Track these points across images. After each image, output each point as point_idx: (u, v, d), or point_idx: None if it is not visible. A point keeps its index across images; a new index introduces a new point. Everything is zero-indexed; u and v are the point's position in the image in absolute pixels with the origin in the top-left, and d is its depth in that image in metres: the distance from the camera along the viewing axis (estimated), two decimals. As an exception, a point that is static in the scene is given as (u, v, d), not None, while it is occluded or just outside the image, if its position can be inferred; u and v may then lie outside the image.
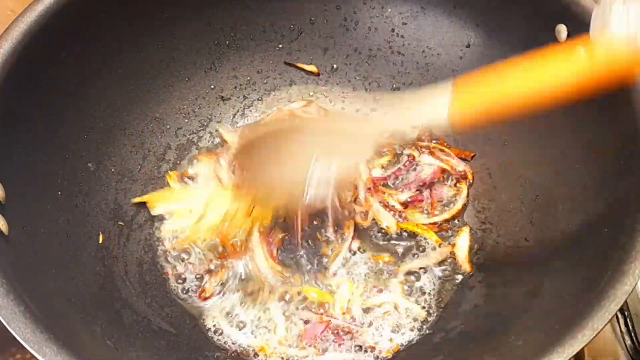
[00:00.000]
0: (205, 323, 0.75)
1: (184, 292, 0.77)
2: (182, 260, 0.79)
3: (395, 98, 0.65)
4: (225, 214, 0.79)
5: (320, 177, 0.67)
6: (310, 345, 0.72)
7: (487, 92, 0.56)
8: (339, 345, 0.73)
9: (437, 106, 0.58)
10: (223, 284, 0.77)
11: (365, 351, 0.72)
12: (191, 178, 0.86)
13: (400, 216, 0.82)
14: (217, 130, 0.90)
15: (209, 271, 0.77)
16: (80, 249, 0.71)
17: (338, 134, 0.69)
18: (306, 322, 0.74)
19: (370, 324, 0.74)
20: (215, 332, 0.74)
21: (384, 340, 0.73)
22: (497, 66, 0.56)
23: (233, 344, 0.73)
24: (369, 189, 0.83)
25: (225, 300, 0.76)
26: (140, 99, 0.84)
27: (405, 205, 0.83)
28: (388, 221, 0.80)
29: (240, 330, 0.74)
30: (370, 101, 0.91)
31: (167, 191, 0.83)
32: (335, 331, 0.73)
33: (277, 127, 0.71)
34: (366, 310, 0.75)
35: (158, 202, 0.81)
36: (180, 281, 0.78)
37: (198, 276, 0.77)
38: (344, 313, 0.74)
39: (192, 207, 0.81)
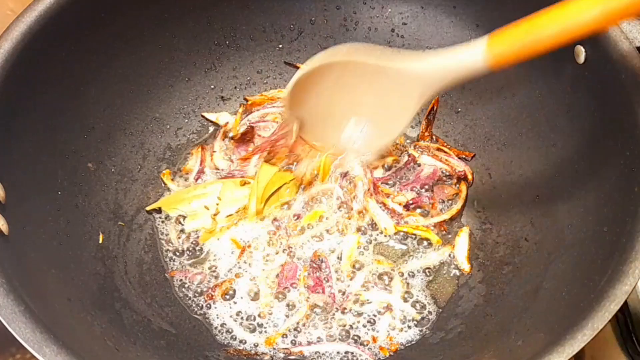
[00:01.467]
0: (210, 320, 0.75)
1: (188, 292, 0.77)
2: (190, 261, 0.79)
3: (432, 52, 0.66)
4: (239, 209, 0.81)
5: (351, 136, 0.74)
6: (285, 289, 0.76)
7: (521, 31, 0.57)
8: (314, 292, 0.75)
9: (474, 51, 0.60)
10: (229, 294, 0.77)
11: (365, 345, 0.72)
12: (186, 173, 0.86)
13: (400, 218, 0.82)
14: (217, 130, 0.90)
15: (217, 285, 0.77)
16: (80, 249, 0.71)
17: (385, 88, 0.70)
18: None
19: (363, 317, 0.74)
20: (219, 330, 0.74)
21: (381, 338, 0.73)
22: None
23: (236, 340, 0.73)
24: (368, 189, 0.83)
25: (232, 302, 0.76)
26: (140, 99, 0.84)
27: (406, 207, 0.83)
28: (386, 223, 0.80)
29: (244, 326, 0.74)
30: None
31: (179, 193, 0.83)
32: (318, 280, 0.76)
33: (336, 62, 0.72)
34: (362, 302, 0.75)
35: (172, 206, 0.82)
36: (185, 282, 0.78)
37: (204, 285, 0.78)
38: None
39: (207, 204, 0.81)
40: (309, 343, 0.73)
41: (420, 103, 0.68)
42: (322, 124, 0.78)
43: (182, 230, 0.81)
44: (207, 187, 0.83)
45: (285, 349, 0.72)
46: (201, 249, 0.80)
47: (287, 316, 0.75)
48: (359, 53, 0.71)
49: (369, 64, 0.70)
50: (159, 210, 0.82)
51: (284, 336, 0.73)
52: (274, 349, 0.72)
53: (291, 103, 0.76)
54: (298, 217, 0.81)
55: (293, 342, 0.73)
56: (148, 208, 0.82)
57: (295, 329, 0.74)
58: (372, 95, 0.72)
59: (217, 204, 0.81)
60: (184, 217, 0.82)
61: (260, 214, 0.81)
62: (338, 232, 0.80)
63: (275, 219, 0.81)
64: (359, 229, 0.81)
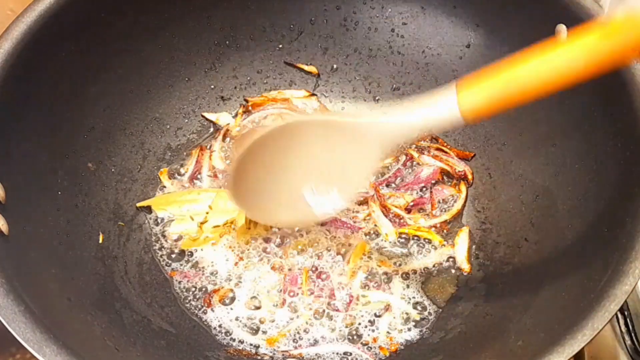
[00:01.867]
0: (209, 322, 0.75)
1: (188, 293, 0.77)
2: (188, 262, 0.79)
3: (396, 104, 0.60)
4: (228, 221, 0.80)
5: (320, 202, 0.65)
6: (290, 295, 0.75)
7: (497, 81, 0.53)
8: (316, 296, 0.75)
9: (446, 102, 0.55)
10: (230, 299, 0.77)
11: (365, 345, 0.72)
12: (181, 175, 0.86)
13: (401, 221, 0.82)
14: (217, 130, 0.90)
15: (215, 290, 0.77)
16: (80, 249, 0.71)
17: (339, 146, 0.63)
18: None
19: (363, 318, 0.74)
20: (219, 330, 0.74)
21: (381, 338, 0.73)
22: (505, 60, 0.54)
23: (236, 340, 0.73)
24: (372, 195, 0.83)
25: (231, 307, 0.76)
26: (140, 99, 0.84)
27: (408, 210, 0.83)
28: (387, 229, 0.80)
29: (244, 328, 0.74)
30: (370, 102, 0.92)
31: (171, 195, 0.83)
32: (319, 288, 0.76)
33: (271, 131, 0.63)
34: (362, 302, 0.76)
35: (162, 206, 0.81)
36: (185, 283, 0.78)
37: (202, 287, 0.78)
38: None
39: (194, 212, 0.81)
40: (309, 345, 0.73)
41: (383, 157, 0.62)
42: (278, 202, 0.69)
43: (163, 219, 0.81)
44: (201, 193, 0.82)
45: (285, 351, 0.72)
46: (191, 254, 0.79)
47: (290, 319, 0.75)
48: (312, 115, 0.66)
49: (325, 121, 0.63)
50: (149, 211, 0.82)
51: (286, 336, 0.73)
52: (275, 350, 0.72)
53: (236, 191, 0.66)
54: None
55: (295, 340, 0.73)
56: (139, 204, 0.81)
57: (296, 331, 0.74)
58: (329, 157, 0.64)
59: (207, 213, 0.81)
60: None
61: (251, 229, 0.79)
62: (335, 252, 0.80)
63: (267, 239, 0.80)
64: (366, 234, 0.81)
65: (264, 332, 0.74)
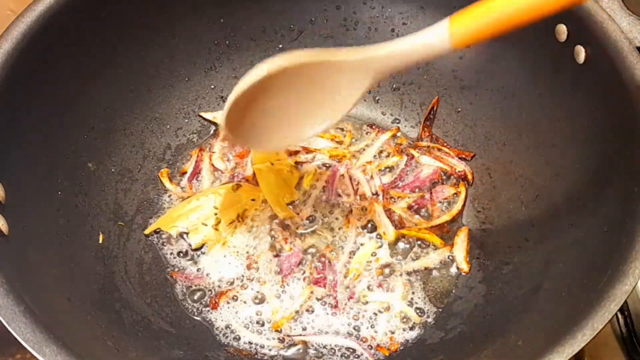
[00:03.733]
0: (210, 321, 0.75)
1: (189, 293, 0.77)
2: (194, 263, 0.79)
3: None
4: (239, 214, 0.81)
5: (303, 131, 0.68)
6: (285, 276, 0.77)
7: (484, 10, 0.56)
8: (316, 283, 0.76)
9: (436, 31, 0.57)
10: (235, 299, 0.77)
11: (364, 343, 0.72)
12: (184, 173, 0.86)
13: (401, 221, 0.82)
14: (217, 130, 0.90)
15: (221, 292, 0.77)
16: (80, 249, 0.71)
17: (328, 79, 0.66)
18: (277, 254, 0.79)
19: (363, 316, 0.75)
20: (220, 330, 0.74)
21: (381, 337, 0.73)
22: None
23: (235, 340, 0.73)
24: (376, 194, 0.83)
25: (236, 306, 0.76)
26: (140, 99, 0.84)
27: (410, 210, 0.83)
28: (387, 229, 0.80)
29: (245, 326, 0.74)
30: (370, 102, 0.92)
31: (174, 211, 0.82)
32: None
33: (260, 80, 0.66)
34: (362, 301, 0.76)
35: (171, 224, 0.81)
36: (186, 283, 0.78)
37: (208, 288, 0.78)
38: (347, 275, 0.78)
39: (204, 218, 0.81)
40: (312, 333, 0.73)
41: (373, 84, 0.64)
42: (270, 133, 0.71)
43: (181, 235, 0.81)
44: (200, 198, 0.82)
45: (289, 336, 0.73)
46: (200, 253, 0.80)
47: (290, 300, 0.75)
48: (305, 56, 0.68)
49: (320, 62, 0.66)
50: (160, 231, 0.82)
51: (290, 321, 0.74)
52: (278, 348, 0.72)
53: (231, 124, 0.68)
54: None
55: (298, 327, 0.74)
56: (147, 231, 0.80)
57: (299, 315, 0.74)
58: (322, 91, 0.67)
59: (216, 214, 0.81)
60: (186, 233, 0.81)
61: (287, 208, 0.82)
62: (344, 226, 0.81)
63: (281, 222, 0.81)
64: (364, 227, 0.81)
65: (262, 324, 0.74)
